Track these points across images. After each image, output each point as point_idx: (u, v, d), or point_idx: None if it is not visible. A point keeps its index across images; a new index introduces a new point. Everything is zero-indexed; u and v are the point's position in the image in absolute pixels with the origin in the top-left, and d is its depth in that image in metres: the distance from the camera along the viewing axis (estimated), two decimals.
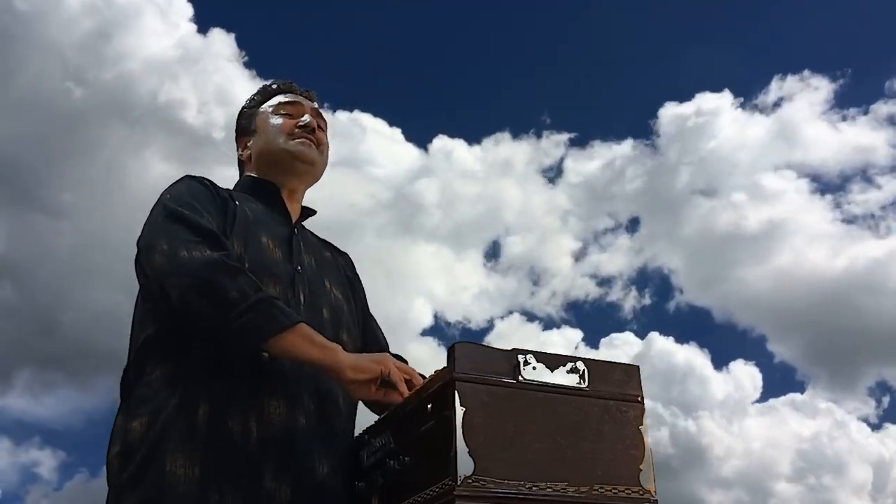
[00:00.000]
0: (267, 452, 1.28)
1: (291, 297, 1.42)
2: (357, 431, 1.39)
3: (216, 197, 1.47)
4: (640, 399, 1.12)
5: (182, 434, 1.27)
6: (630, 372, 1.13)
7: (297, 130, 1.63)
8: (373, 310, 1.72)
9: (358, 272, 1.75)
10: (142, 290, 1.45)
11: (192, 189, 1.46)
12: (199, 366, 1.32)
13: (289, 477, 1.29)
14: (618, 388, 1.11)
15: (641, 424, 1.10)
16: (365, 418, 1.44)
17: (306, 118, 1.65)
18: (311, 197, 1.70)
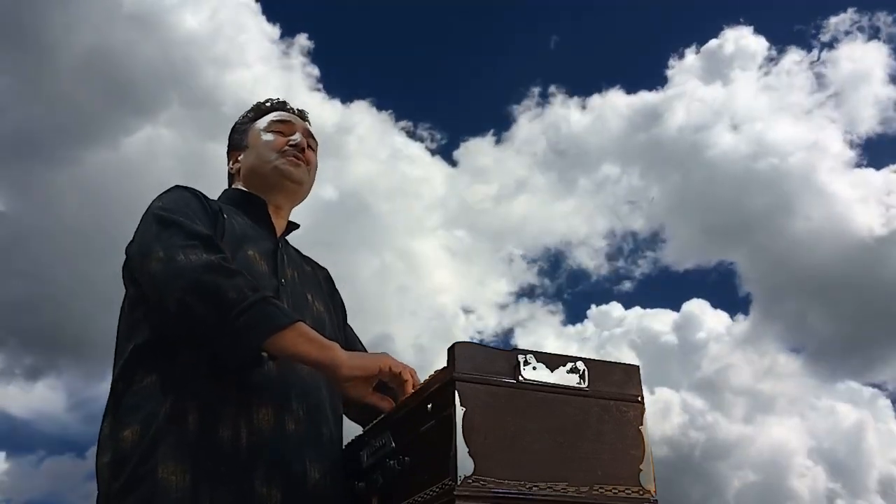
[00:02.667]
0: (257, 457, 1.29)
1: None
2: (352, 435, 1.39)
3: (207, 208, 1.48)
4: (640, 399, 1.12)
5: (173, 442, 1.27)
6: (630, 372, 1.13)
7: (287, 149, 1.66)
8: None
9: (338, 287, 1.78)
10: (128, 297, 1.46)
11: (184, 198, 1.48)
12: (188, 373, 1.33)
13: (280, 481, 1.30)
14: (618, 388, 1.11)
15: (641, 424, 1.10)
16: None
17: (297, 137, 1.68)
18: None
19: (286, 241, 1.66)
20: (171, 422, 1.29)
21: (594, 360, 1.10)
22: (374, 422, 1.30)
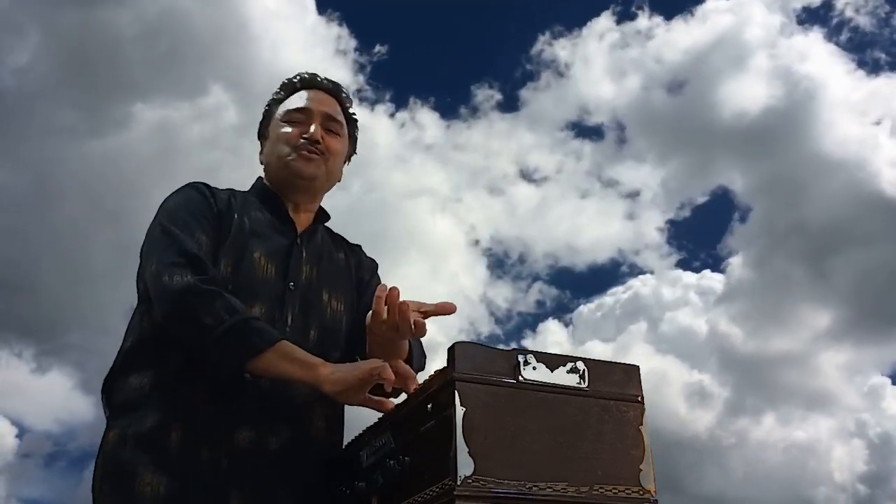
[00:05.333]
0: (236, 473, 1.30)
1: (278, 317, 1.42)
2: (356, 432, 1.39)
3: (213, 208, 1.46)
4: (640, 399, 1.11)
5: (153, 455, 1.29)
6: (630, 372, 1.13)
7: (301, 142, 1.57)
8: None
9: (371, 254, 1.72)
10: (139, 296, 1.46)
11: (190, 201, 1.46)
12: (174, 379, 1.34)
13: (256, 499, 1.30)
14: (618, 388, 1.10)
15: (641, 424, 1.10)
16: (362, 419, 1.45)
17: (311, 129, 1.58)
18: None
19: (312, 233, 1.60)
20: (153, 435, 1.31)
21: (594, 359, 1.10)
22: (374, 422, 1.30)
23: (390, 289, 1.24)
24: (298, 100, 1.64)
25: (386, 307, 1.24)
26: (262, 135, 1.68)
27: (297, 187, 1.59)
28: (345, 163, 1.70)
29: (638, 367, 1.14)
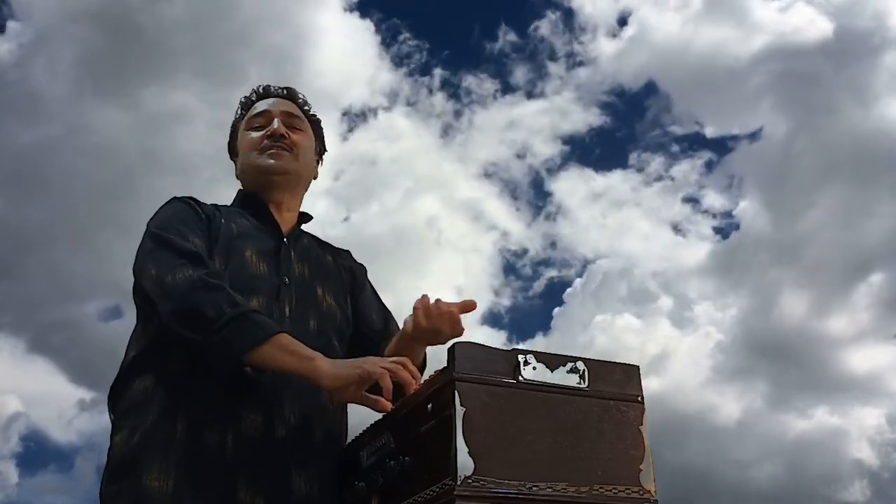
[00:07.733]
0: (242, 465, 1.30)
1: (276, 309, 1.44)
2: (356, 432, 1.40)
3: (200, 215, 1.50)
4: (640, 399, 1.11)
5: (159, 449, 1.29)
6: (630, 372, 1.13)
7: (265, 143, 1.63)
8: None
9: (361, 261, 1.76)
10: (137, 311, 1.47)
11: (178, 211, 1.49)
12: (178, 379, 1.34)
13: (263, 488, 1.30)
14: (618, 388, 1.11)
15: (641, 424, 1.10)
16: (362, 419, 1.46)
17: (273, 125, 1.64)
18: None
19: (298, 235, 1.65)
20: (159, 429, 1.31)
21: (594, 359, 1.10)
22: (374, 422, 1.30)
23: (436, 300, 1.40)
24: (258, 106, 1.71)
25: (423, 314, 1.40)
26: (233, 150, 1.74)
27: (272, 184, 1.63)
28: (318, 162, 1.76)
29: (637, 367, 1.14)
